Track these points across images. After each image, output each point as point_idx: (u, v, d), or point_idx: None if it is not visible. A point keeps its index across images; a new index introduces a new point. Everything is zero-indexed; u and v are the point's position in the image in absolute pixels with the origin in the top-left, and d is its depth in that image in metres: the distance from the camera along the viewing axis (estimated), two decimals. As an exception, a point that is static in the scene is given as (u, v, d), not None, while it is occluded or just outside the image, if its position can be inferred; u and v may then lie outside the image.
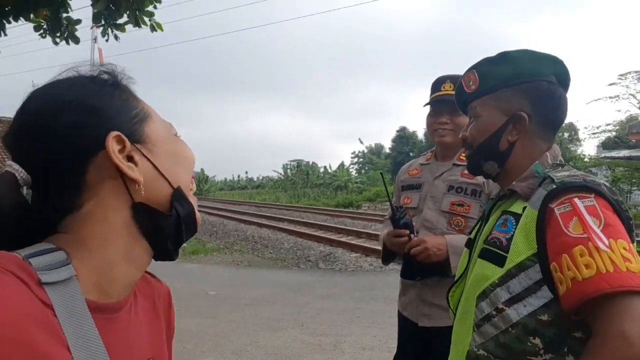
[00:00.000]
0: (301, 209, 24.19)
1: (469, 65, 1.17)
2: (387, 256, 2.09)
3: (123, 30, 6.10)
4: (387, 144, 58.24)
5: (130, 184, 0.60)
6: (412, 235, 1.85)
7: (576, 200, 0.90)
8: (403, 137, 53.57)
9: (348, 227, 13.89)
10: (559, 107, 1.09)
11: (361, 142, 58.82)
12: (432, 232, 1.91)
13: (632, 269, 0.82)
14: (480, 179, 1.92)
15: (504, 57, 1.11)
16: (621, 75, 22.56)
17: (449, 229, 1.91)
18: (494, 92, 1.10)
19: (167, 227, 0.64)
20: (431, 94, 2.05)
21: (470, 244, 1.22)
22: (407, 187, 2.12)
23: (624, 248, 0.84)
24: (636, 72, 20.69)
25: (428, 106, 2.08)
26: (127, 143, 0.61)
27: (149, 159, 0.63)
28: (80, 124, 0.59)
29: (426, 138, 48.30)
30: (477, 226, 1.23)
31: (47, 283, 0.53)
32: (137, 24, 5.92)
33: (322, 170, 44.50)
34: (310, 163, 45.77)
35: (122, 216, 0.61)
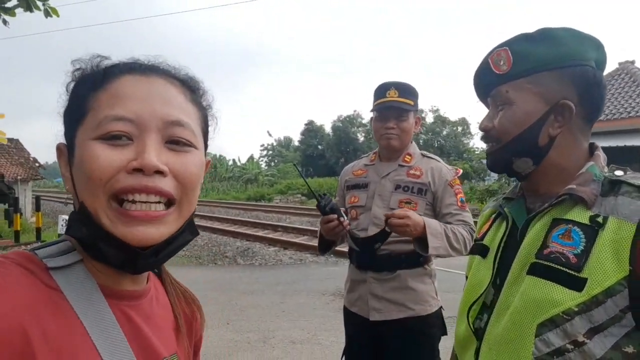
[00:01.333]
0: (212, 203, 23.61)
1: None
2: (324, 246, 2.15)
3: (13, 14, 5.50)
4: (296, 137, 58.71)
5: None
6: (341, 219, 1.91)
7: None
8: (311, 130, 54.28)
9: (263, 221, 13.83)
10: (603, 97, 0.94)
11: (270, 134, 58.86)
12: (380, 229, 1.97)
13: None
14: (425, 178, 2.04)
15: (545, 35, 0.93)
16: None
17: None
18: (531, 75, 0.93)
19: (85, 242, 0.59)
20: (375, 99, 2.12)
21: (484, 251, 1.03)
22: (353, 186, 2.19)
23: None
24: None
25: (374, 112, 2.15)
26: (64, 152, 0.61)
27: (70, 171, 0.60)
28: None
29: (333, 132, 49.36)
30: (498, 232, 1.02)
31: (53, 268, 0.55)
32: (29, 8, 5.37)
33: (230, 163, 43.71)
34: (218, 156, 44.71)
35: None
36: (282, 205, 20.84)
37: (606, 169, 0.91)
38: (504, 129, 0.95)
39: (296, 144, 58.33)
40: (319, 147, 53.30)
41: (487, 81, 0.99)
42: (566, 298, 0.81)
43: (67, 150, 0.60)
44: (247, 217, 15.83)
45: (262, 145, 61.36)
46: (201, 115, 0.65)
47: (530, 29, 0.96)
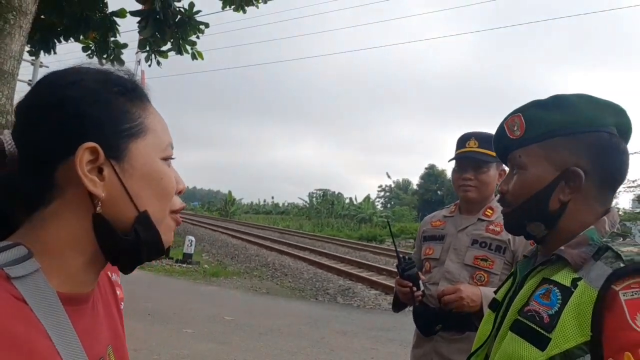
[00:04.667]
0: (324, 238, 24.07)
1: (500, 110, 1.09)
2: (398, 304, 2.12)
3: (166, 56, 6.35)
4: (415, 180, 57.84)
5: (94, 196, 0.61)
6: (414, 289, 1.88)
7: None
8: (432, 175, 53.07)
9: (369, 262, 13.71)
10: (622, 163, 0.93)
11: (389, 176, 58.95)
12: (452, 285, 1.90)
13: None
14: (505, 235, 1.91)
15: (558, 101, 0.96)
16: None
17: (471, 282, 1.90)
18: (543, 141, 0.95)
19: (122, 245, 0.63)
20: (456, 149, 2.09)
21: (494, 305, 1.07)
22: (430, 237, 2.13)
23: None
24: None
25: (453, 161, 2.11)
26: (101, 156, 0.60)
27: (119, 177, 0.61)
28: (64, 124, 0.60)
29: (455, 177, 47.72)
30: (506, 287, 1.07)
31: (15, 277, 0.55)
32: (179, 51, 6.17)
33: (347, 201, 44.41)
34: (336, 193, 45.79)
35: (83, 224, 0.61)
36: (392, 249, 20.51)
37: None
38: (516, 193, 0.98)
39: (415, 187, 57.46)
40: (439, 192, 51.77)
41: (503, 146, 1.04)
42: (531, 356, 0.83)
43: (106, 154, 0.61)
44: (354, 256, 15.86)
45: (379, 187, 61.55)
46: None
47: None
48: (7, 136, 0.63)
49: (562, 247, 0.90)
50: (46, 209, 0.61)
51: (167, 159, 0.67)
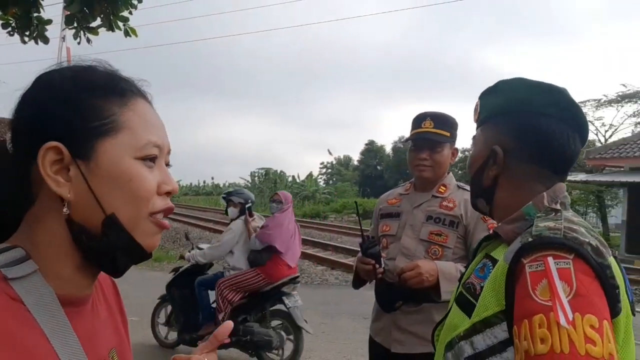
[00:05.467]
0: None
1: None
2: (358, 281, 2.17)
3: (96, 33, 5.98)
4: (356, 157, 58.80)
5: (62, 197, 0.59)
6: (376, 266, 1.94)
7: (550, 259, 0.78)
8: (371, 151, 54.16)
9: (315, 239, 13.90)
10: (549, 141, 0.96)
11: (330, 153, 59.28)
12: (409, 259, 1.98)
13: (592, 353, 0.69)
14: (457, 210, 2.01)
15: (497, 86, 1.05)
16: (580, 102, 23.70)
17: (426, 256, 1.99)
18: (485, 123, 1.05)
19: (97, 250, 0.61)
20: (412, 129, 2.14)
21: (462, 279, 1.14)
22: (386, 215, 2.20)
23: (591, 325, 0.71)
24: (594, 100, 21.75)
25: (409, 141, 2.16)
26: (66, 156, 0.59)
27: (84, 178, 0.59)
28: (30, 124, 0.60)
29: (394, 152, 49.02)
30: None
31: (12, 279, 0.55)
32: (110, 28, 5.82)
33: (290, 179, 44.44)
34: (279, 172, 45.62)
35: (62, 226, 0.60)
36: (336, 224, 20.88)
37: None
38: (468, 170, 1.09)
39: (355, 163, 58.41)
40: (378, 167, 53.00)
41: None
42: (461, 323, 0.91)
43: (72, 153, 0.60)
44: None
45: (321, 163, 62.00)
46: None
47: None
48: (9, 135, 0.63)
49: (500, 224, 0.98)
50: (32, 209, 0.61)
51: (145, 158, 0.63)
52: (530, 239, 0.84)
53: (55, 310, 0.58)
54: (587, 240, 0.81)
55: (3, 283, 0.55)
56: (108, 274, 0.68)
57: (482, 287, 0.90)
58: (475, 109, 1.09)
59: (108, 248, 0.61)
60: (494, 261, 0.93)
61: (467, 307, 0.93)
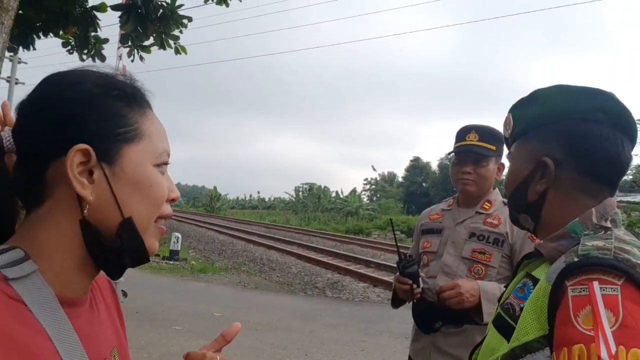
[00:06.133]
0: (311, 232, 24.12)
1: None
2: (397, 301, 2.10)
3: (148, 51, 6.25)
4: (400, 173, 58.22)
5: (82, 198, 0.60)
6: (414, 286, 1.87)
7: (595, 284, 0.72)
8: (416, 167, 53.48)
9: (357, 255, 13.77)
10: (600, 149, 0.88)
11: (374, 169, 59.15)
12: (450, 278, 1.90)
13: None
14: (503, 228, 1.92)
15: (532, 96, 0.99)
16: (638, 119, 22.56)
17: (469, 276, 1.90)
18: (524, 136, 0.98)
19: (107, 251, 0.63)
20: (455, 142, 2.07)
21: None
22: (427, 231, 2.12)
23: None
24: (656, 115, 20.59)
25: (453, 154, 2.10)
26: (93, 159, 0.60)
27: (108, 181, 0.61)
28: (57, 124, 0.60)
29: (440, 169, 48.17)
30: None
31: (12, 279, 0.55)
32: (162, 46, 6.07)
33: (333, 195, 44.51)
34: (322, 187, 45.81)
35: (72, 227, 0.61)
36: (379, 241, 20.64)
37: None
38: (507, 187, 1.03)
39: (400, 179, 57.80)
40: (424, 184, 52.18)
41: (507, 144, 1.08)
42: (499, 347, 0.86)
43: (98, 157, 0.61)
44: (342, 249, 15.91)
45: (365, 179, 61.79)
46: None
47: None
48: (7, 133, 0.63)
49: (542, 241, 0.91)
50: (39, 210, 0.62)
51: (160, 165, 0.66)
52: (575, 259, 0.77)
53: (56, 309, 0.58)
54: None
55: (3, 283, 0.55)
56: (109, 276, 0.69)
57: (521, 309, 0.85)
58: (507, 123, 1.03)
59: (119, 251, 0.63)
60: (535, 280, 0.88)
61: (505, 329, 0.87)
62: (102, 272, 0.70)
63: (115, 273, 0.68)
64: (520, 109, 1.00)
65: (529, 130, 0.97)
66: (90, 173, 0.61)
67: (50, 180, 0.61)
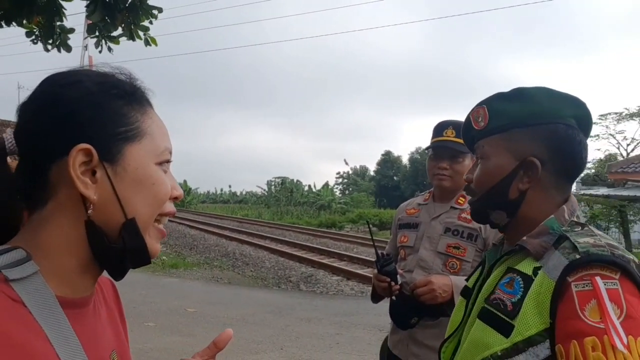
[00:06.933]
0: (284, 226, 24.07)
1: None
2: (377, 296, 2.14)
3: (117, 42, 6.08)
4: (372, 167, 58.72)
5: (86, 198, 0.60)
6: (392, 283, 1.90)
7: (598, 279, 0.77)
8: (388, 161, 54.05)
9: (330, 249, 13.82)
10: (578, 154, 0.96)
11: (346, 163, 59.19)
12: (426, 272, 1.94)
13: None
14: (476, 223, 1.95)
15: (519, 94, 0.99)
16: (601, 115, 23.54)
17: (444, 270, 1.94)
18: (504, 132, 0.98)
19: (111, 253, 0.63)
20: (432, 137, 2.09)
21: (466, 292, 1.10)
22: (405, 225, 2.15)
23: None
24: (615, 113, 21.41)
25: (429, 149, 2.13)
26: (95, 158, 0.60)
27: (110, 181, 0.61)
28: (59, 124, 0.60)
29: (410, 163, 48.76)
30: (476, 275, 1.11)
31: (13, 280, 0.55)
32: (131, 37, 5.91)
33: (306, 188, 44.50)
34: (295, 181, 45.73)
35: (77, 228, 0.61)
36: (351, 234, 20.78)
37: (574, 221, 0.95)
38: (480, 182, 1.01)
39: (372, 173, 58.29)
40: (395, 178, 52.80)
41: (470, 136, 1.07)
42: (495, 342, 0.87)
43: (100, 156, 0.60)
44: (315, 243, 15.95)
45: (337, 173, 61.98)
46: None
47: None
48: (8, 134, 0.62)
49: (525, 238, 0.93)
50: (42, 210, 0.61)
51: (162, 163, 0.66)
52: (577, 256, 0.82)
53: (56, 311, 0.57)
54: (631, 257, 0.81)
55: (3, 284, 0.54)
56: (112, 277, 0.69)
57: (514, 304, 0.87)
58: (482, 115, 1.02)
59: (121, 251, 0.63)
60: (524, 275, 0.90)
61: (499, 325, 0.89)
62: (105, 272, 0.69)
63: (118, 274, 0.67)
64: (498, 103, 1.01)
65: (513, 127, 0.98)
66: (93, 173, 0.61)
67: (52, 181, 0.60)
